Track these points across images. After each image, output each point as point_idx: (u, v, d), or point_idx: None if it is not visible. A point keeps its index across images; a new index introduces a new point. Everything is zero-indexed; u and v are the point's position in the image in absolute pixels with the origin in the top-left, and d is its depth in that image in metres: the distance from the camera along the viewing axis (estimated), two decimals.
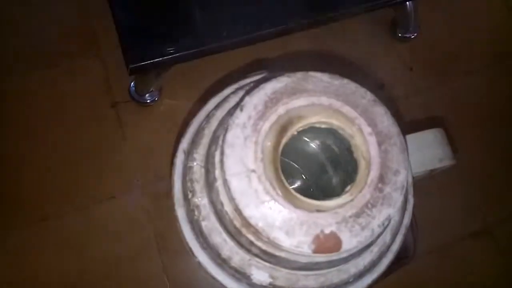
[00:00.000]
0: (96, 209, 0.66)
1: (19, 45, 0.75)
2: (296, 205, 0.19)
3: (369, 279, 0.23)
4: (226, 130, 0.20)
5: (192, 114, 0.63)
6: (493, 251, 0.72)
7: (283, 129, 0.20)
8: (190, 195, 0.24)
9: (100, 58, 0.75)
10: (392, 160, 0.20)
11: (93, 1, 0.78)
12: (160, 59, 0.61)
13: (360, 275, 0.23)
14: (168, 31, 0.62)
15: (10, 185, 0.67)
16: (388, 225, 0.20)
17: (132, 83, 0.72)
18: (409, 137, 0.26)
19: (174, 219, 0.65)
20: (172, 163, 0.25)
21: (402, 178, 0.20)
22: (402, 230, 0.25)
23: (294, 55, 0.79)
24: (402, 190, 0.20)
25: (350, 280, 0.23)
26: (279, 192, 0.19)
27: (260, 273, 0.23)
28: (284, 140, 0.20)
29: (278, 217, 0.19)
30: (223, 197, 0.21)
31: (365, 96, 0.20)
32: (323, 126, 0.20)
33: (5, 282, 0.62)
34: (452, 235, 0.72)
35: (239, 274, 0.23)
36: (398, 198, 0.20)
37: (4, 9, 0.78)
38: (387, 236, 0.23)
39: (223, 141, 0.20)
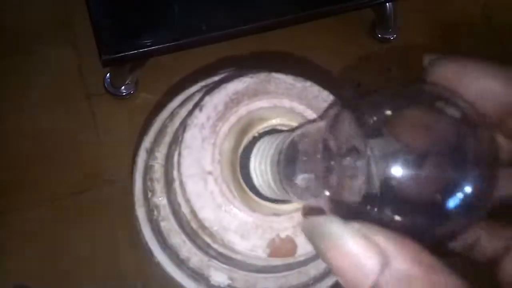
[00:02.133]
0: (66, 204, 0.65)
1: None
2: (252, 208, 0.18)
3: (329, 281, 0.23)
4: (183, 131, 0.20)
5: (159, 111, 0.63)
6: None
7: (243, 131, 0.19)
8: (150, 195, 0.24)
9: (76, 48, 0.73)
10: None
11: None
12: (136, 51, 0.60)
13: (320, 278, 0.23)
14: (144, 23, 0.60)
15: None
16: None
17: (107, 76, 0.70)
18: None
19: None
20: (133, 162, 0.25)
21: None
22: None
23: (270, 53, 0.79)
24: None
25: (311, 283, 0.23)
26: (235, 194, 0.18)
27: (218, 275, 0.22)
28: (244, 142, 0.20)
29: (233, 220, 0.19)
30: (180, 199, 0.21)
31: (327, 100, 0.20)
32: (284, 128, 0.20)
33: None
34: None
35: (198, 275, 0.23)
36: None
37: None
38: None
39: (181, 141, 0.20)
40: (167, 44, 0.61)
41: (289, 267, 0.21)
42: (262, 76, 0.20)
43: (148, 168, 0.24)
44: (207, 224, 0.19)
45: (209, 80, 0.25)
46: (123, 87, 0.70)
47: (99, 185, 0.67)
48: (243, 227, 0.19)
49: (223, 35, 0.66)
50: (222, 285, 0.22)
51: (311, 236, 0.13)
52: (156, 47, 0.60)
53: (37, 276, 0.61)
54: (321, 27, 0.80)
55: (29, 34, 0.73)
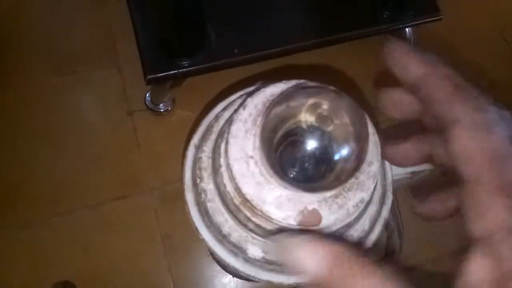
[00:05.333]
0: (107, 208, 0.71)
1: (44, 51, 0.81)
2: (285, 186, 0.22)
3: None
4: (230, 124, 0.24)
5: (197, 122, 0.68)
6: None
7: (277, 125, 0.24)
8: (198, 181, 0.28)
9: (118, 68, 0.81)
10: (367, 153, 0.24)
11: (113, 14, 0.84)
12: (175, 71, 0.67)
13: None
14: (183, 46, 0.67)
15: (26, 180, 0.72)
16: (361, 208, 0.24)
17: (147, 93, 0.77)
18: None
19: (180, 220, 0.69)
20: (184, 156, 0.30)
21: (374, 168, 0.24)
22: (381, 221, 0.28)
23: (299, 70, 0.84)
24: (374, 178, 0.24)
25: None
26: (272, 174, 0.22)
27: (254, 248, 0.26)
28: (278, 135, 0.25)
29: (270, 194, 0.23)
30: (226, 180, 0.24)
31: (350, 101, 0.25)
32: (305, 125, 0.25)
33: (19, 275, 0.66)
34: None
35: (237, 249, 0.26)
36: (370, 185, 0.24)
37: (34, 16, 0.85)
38: (365, 224, 0.27)
39: (228, 133, 0.24)
40: (203, 66, 0.68)
41: None
42: (293, 82, 0.25)
43: (196, 160, 0.29)
44: (248, 197, 0.23)
45: (246, 90, 0.30)
46: (161, 104, 0.77)
47: (139, 193, 0.72)
48: (278, 199, 0.23)
49: (253, 58, 0.72)
50: (257, 257, 0.26)
51: (280, 246, 0.19)
52: (194, 68, 0.67)
53: (79, 274, 0.66)
54: (344, 53, 0.85)
55: (76, 56, 0.82)
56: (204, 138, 0.29)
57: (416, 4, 0.76)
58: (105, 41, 0.83)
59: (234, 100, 0.30)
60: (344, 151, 0.23)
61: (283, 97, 0.24)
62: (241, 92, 0.31)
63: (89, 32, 0.84)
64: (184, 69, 0.66)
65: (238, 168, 0.24)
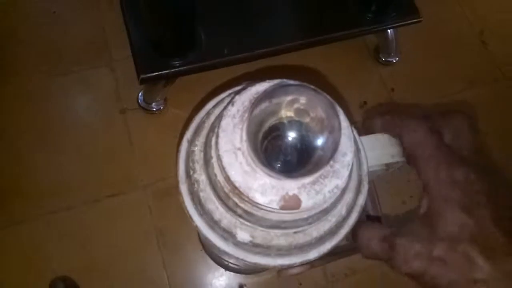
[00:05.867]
0: (103, 204, 0.73)
1: (39, 51, 0.83)
2: (269, 174, 0.25)
3: (328, 245, 0.29)
4: (220, 120, 0.27)
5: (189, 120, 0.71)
6: None
7: (262, 121, 0.27)
8: (191, 173, 0.30)
9: (112, 68, 0.83)
10: (342, 145, 0.27)
11: (106, 16, 0.87)
12: (167, 71, 0.69)
13: (321, 239, 0.29)
14: (175, 47, 0.70)
15: (23, 177, 0.73)
16: (337, 194, 0.26)
17: (140, 93, 0.79)
18: (364, 138, 0.33)
19: (173, 216, 0.71)
20: (178, 151, 0.32)
21: (348, 158, 0.27)
22: (357, 208, 0.30)
23: (283, 70, 0.87)
24: (348, 167, 0.26)
25: (313, 242, 0.29)
26: (257, 164, 0.25)
27: (243, 233, 0.28)
28: (263, 129, 0.27)
29: (255, 182, 0.25)
30: (217, 170, 0.27)
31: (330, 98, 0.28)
32: (287, 120, 0.28)
33: (18, 270, 0.68)
34: None
35: (227, 234, 0.28)
36: (345, 173, 0.26)
37: (30, 17, 0.86)
38: (342, 210, 0.29)
39: (218, 127, 0.27)
40: (194, 65, 0.70)
41: (295, 224, 0.27)
42: (276, 81, 0.28)
43: (189, 153, 0.31)
44: (237, 185, 0.25)
45: (235, 89, 0.33)
46: (154, 103, 0.79)
47: (132, 189, 0.75)
48: (263, 186, 0.25)
49: (242, 58, 0.75)
50: (245, 241, 0.28)
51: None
52: (185, 67, 0.70)
53: (77, 269, 0.68)
54: (329, 52, 0.89)
55: (71, 56, 0.84)
56: (196, 133, 0.31)
57: (397, 7, 0.80)
58: (98, 42, 0.85)
59: (224, 98, 0.32)
60: (319, 141, 0.26)
61: (266, 95, 0.26)
62: (230, 91, 0.33)
63: (83, 33, 0.86)
64: (176, 69, 0.69)
65: (227, 159, 0.26)
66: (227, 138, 0.26)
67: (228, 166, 0.26)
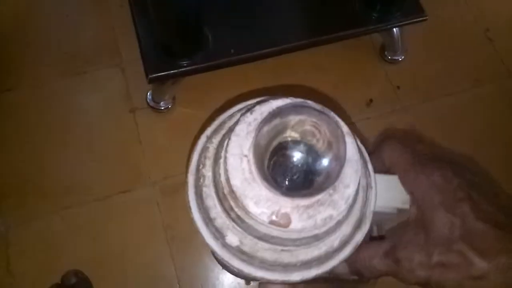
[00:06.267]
0: (113, 201, 0.75)
1: (54, 53, 0.85)
2: (267, 187, 0.25)
3: (314, 271, 0.28)
4: (236, 124, 0.28)
5: (201, 121, 0.72)
6: None
7: (274, 135, 0.28)
8: (201, 167, 0.30)
9: (121, 68, 0.85)
10: (346, 176, 0.27)
11: (116, 17, 0.89)
12: (175, 71, 0.71)
13: (307, 264, 0.28)
14: (182, 48, 0.72)
15: (37, 175, 0.76)
16: (331, 224, 0.26)
17: (149, 92, 0.81)
18: (380, 176, 0.32)
19: (181, 212, 0.73)
20: (195, 144, 0.33)
21: (350, 191, 0.26)
22: (353, 244, 0.29)
23: (294, 67, 0.88)
24: (347, 200, 0.26)
25: (298, 265, 0.28)
26: (257, 174, 0.26)
27: (232, 236, 0.28)
28: (273, 144, 0.28)
29: (252, 191, 0.26)
30: (221, 170, 0.27)
31: (343, 125, 0.28)
32: (291, 140, 0.28)
33: (31, 263, 0.71)
34: None
35: (218, 234, 0.29)
36: (342, 205, 0.26)
37: (42, 19, 0.89)
38: (335, 241, 0.29)
39: (232, 130, 0.27)
40: (202, 65, 0.72)
41: (283, 241, 0.27)
42: (299, 101, 0.29)
43: (204, 149, 0.32)
44: (234, 189, 0.26)
45: (260, 99, 0.33)
46: (162, 102, 0.81)
47: (142, 186, 0.77)
48: (258, 197, 0.26)
49: (248, 58, 0.77)
50: (233, 245, 0.28)
51: None
52: (193, 67, 0.72)
53: (88, 263, 0.71)
54: (335, 50, 0.90)
55: (81, 57, 0.86)
56: (215, 131, 0.32)
57: (403, 6, 0.81)
58: (109, 43, 0.87)
59: (248, 105, 0.32)
60: (319, 166, 0.27)
61: (277, 112, 0.27)
62: (257, 100, 0.32)
63: (94, 34, 0.88)
64: (184, 69, 0.71)
65: (232, 162, 0.27)
66: (238, 143, 0.27)
67: (231, 169, 0.26)
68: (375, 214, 0.31)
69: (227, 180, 0.27)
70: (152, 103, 0.81)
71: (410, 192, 0.30)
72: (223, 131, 0.31)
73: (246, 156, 0.27)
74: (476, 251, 0.26)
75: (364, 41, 0.94)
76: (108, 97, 0.83)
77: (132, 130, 0.81)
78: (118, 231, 0.73)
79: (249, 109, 0.29)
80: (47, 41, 0.87)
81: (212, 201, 0.29)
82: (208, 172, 0.31)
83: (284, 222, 0.25)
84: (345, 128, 0.28)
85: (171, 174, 0.78)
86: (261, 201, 0.25)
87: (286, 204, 0.25)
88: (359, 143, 0.31)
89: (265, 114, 0.28)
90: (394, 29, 0.86)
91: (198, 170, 0.32)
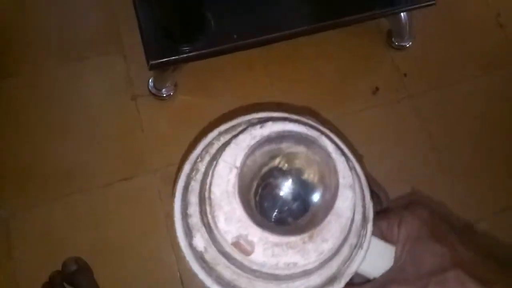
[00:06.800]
0: (114, 188, 0.74)
1: (51, 39, 0.84)
2: (246, 211, 0.25)
3: None
4: (241, 132, 0.27)
5: (203, 109, 0.71)
6: None
7: (270, 158, 0.27)
8: (199, 160, 0.30)
9: (123, 55, 0.84)
10: (328, 230, 0.25)
11: (117, 2, 0.87)
12: (177, 57, 0.70)
13: None
14: (184, 33, 0.70)
15: (39, 162, 0.75)
16: (295, 271, 0.25)
17: (150, 79, 0.80)
18: (375, 240, 0.31)
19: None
20: (204, 135, 0.32)
21: (326, 246, 0.25)
22: None
23: (299, 54, 0.86)
24: (320, 254, 0.25)
25: None
26: (238, 192, 0.25)
27: (200, 240, 0.27)
28: (264, 169, 0.28)
29: (227, 206, 0.25)
30: (211, 172, 0.27)
31: (345, 177, 0.26)
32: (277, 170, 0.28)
33: (33, 251, 0.70)
34: None
35: (189, 232, 0.28)
36: (312, 257, 0.25)
37: (41, 5, 0.88)
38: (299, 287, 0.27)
39: (235, 137, 0.27)
40: (204, 51, 0.71)
41: (241, 266, 0.26)
42: (316, 135, 0.27)
43: (210, 144, 0.31)
44: (212, 196, 0.26)
45: (278, 114, 0.31)
46: (164, 90, 0.80)
47: (143, 174, 0.76)
48: (230, 214, 0.25)
49: (251, 43, 0.75)
50: (197, 249, 0.27)
51: None
52: (194, 53, 0.70)
53: (89, 250, 0.70)
54: (341, 37, 0.88)
55: (82, 43, 0.85)
56: (228, 130, 0.31)
57: None
58: (110, 29, 0.86)
59: (259, 118, 0.31)
60: (295, 206, 0.27)
61: (271, 139, 0.26)
62: (278, 114, 0.31)
63: (95, 20, 0.87)
64: (185, 55, 0.69)
65: (221, 169, 0.26)
66: (234, 151, 0.26)
67: (217, 176, 0.26)
68: (357, 275, 0.29)
69: (210, 184, 0.26)
70: (153, 90, 0.80)
71: (399, 229, 0.30)
72: (234, 132, 0.30)
73: (236, 167, 0.26)
74: (472, 278, 0.26)
75: (370, 26, 0.92)
76: (109, 84, 0.82)
77: (134, 117, 0.80)
78: (119, 219, 0.73)
79: (261, 122, 0.27)
80: (48, 28, 0.85)
81: (194, 198, 0.29)
82: (202, 167, 0.30)
83: (245, 249, 0.24)
84: (347, 180, 0.26)
85: (172, 162, 0.77)
86: (232, 220, 0.25)
87: (255, 233, 0.24)
88: (367, 201, 0.29)
89: (272, 135, 0.27)
90: (402, 14, 0.84)
91: (195, 162, 0.31)
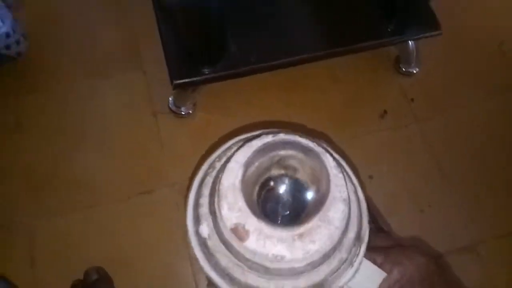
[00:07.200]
0: (132, 201, 0.78)
1: (76, 56, 0.89)
2: (247, 203, 0.28)
3: None
4: (256, 138, 0.31)
5: (220, 127, 0.75)
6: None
7: (267, 166, 0.31)
8: (217, 160, 0.34)
9: (144, 72, 0.88)
10: (318, 233, 0.27)
11: (139, 21, 0.92)
12: (199, 78, 0.74)
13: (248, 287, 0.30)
14: (206, 57, 0.75)
15: (60, 173, 0.79)
16: (282, 265, 0.28)
17: (170, 97, 0.84)
18: (366, 263, 0.33)
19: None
20: (226, 140, 0.36)
21: (313, 248, 0.27)
22: None
23: (311, 77, 0.91)
24: (306, 253, 0.27)
25: (243, 286, 0.30)
26: (241, 185, 0.28)
27: (205, 228, 0.31)
28: (269, 172, 0.31)
29: (231, 196, 0.28)
30: (222, 167, 0.31)
31: (341, 191, 0.29)
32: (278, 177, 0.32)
33: (53, 259, 0.73)
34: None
35: (198, 219, 0.31)
36: (299, 254, 0.27)
37: (66, 23, 0.93)
38: (284, 284, 0.30)
39: (249, 141, 0.30)
40: (224, 73, 0.75)
41: (237, 256, 0.29)
42: (321, 150, 0.30)
43: (229, 148, 0.35)
44: (220, 187, 0.29)
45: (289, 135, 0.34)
46: (183, 108, 0.84)
47: (161, 187, 0.79)
48: (233, 204, 0.28)
49: (268, 66, 0.80)
50: (202, 235, 0.31)
51: None
52: (215, 75, 0.75)
53: (109, 260, 0.73)
54: (351, 62, 0.92)
55: (105, 60, 0.89)
56: (248, 138, 0.34)
57: (418, 20, 0.83)
58: (131, 46, 0.91)
59: (271, 131, 0.34)
60: (299, 201, 0.30)
61: (277, 145, 0.30)
62: (281, 134, 0.34)
63: (117, 38, 0.92)
64: (207, 76, 0.74)
65: (232, 165, 0.30)
66: (245, 153, 0.30)
67: (227, 171, 0.30)
68: None
69: (221, 178, 0.30)
70: (173, 108, 0.84)
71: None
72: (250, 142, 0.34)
73: (244, 166, 0.29)
74: None
75: (379, 53, 0.96)
76: (130, 100, 0.86)
77: (154, 133, 0.83)
78: (137, 231, 0.76)
79: (274, 134, 0.31)
80: (74, 45, 0.90)
81: (206, 190, 0.33)
82: (218, 164, 0.34)
83: (241, 235, 0.27)
84: (342, 194, 0.29)
85: (190, 176, 0.80)
86: (234, 209, 0.28)
87: (252, 223, 0.28)
88: (364, 223, 0.32)
89: (277, 144, 0.30)
90: (410, 42, 0.88)
91: (214, 161, 0.35)
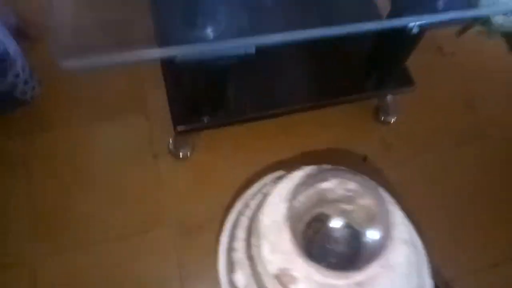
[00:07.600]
0: (132, 240, 0.83)
1: (85, 99, 0.96)
2: (291, 240, 0.24)
3: None
4: (298, 169, 0.29)
5: (217, 169, 0.81)
6: None
7: (316, 202, 0.29)
8: (251, 198, 0.36)
9: (146, 116, 0.95)
10: (379, 283, 0.23)
11: (144, 71, 0.99)
12: (200, 125, 0.82)
13: None
14: (208, 108, 0.82)
15: (61, 211, 0.83)
16: None
17: (170, 140, 0.91)
18: None
19: (195, 252, 0.81)
20: (259, 177, 0.37)
21: None
22: None
23: (300, 124, 0.99)
24: None
25: None
26: (287, 222, 0.25)
27: (241, 276, 0.28)
28: (312, 212, 0.28)
29: (274, 236, 0.24)
30: (263, 205, 0.29)
31: (401, 231, 0.25)
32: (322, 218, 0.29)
33: None
34: None
35: (231, 267, 0.30)
36: None
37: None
38: None
39: (291, 173, 0.29)
40: (223, 121, 0.83)
41: None
42: (373, 185, 0.31)
43: (265, 186, 0.37)
44: (261, 224, 0.27)
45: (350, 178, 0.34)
46: (183, 150, 0.91)
47: (161, 226, 0.85)
48: (276, 245, 0.25)
49: (261, 116, 0.88)
50: (237, 284, 0.28)
51: None
52: (215, 123, 0.82)
53: None
54: (337, 111, 1.01)
55: (111, 104, 0.96)
56: (283, 175, 0.35)
57: (395, 77, 0.93)
58: (136, 93, 0.98)
59: (312, 169, 0.36)
60: (345, 250, 0.27)
61: (315, 177, 0.29)
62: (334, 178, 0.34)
63: (123, 84, 0.98)
64: (207, 124, 0.81)
65: (273, 200, 0.29)
66: (288, 186, 0.30)
67: (268, 206, 0.28)
68: None
69: (262, 210, 0.28)
70: (173, 150, 0.91)
71: None
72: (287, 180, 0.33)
73: (289, 200, 0.27)
74: None
75: (362, 103, 1.06)
76: (133, 143, 0.93)
77: (154, 175, 0.90)
78: (136, 269, 0.80)
79: (324, 173, 0.31)
80: (82, 89, 0.96)
81: (241, 233, 0.32)
82: (253, 205, 0.34)
83: (286, 282, 0.23)
84: (403, 234, 0.25)
85: (188, 217, 0.86)
86: (278, 251, 0.24)
87: (300, 269, 0.24)
88: (425, 275, 0.30)
89: (322, 170, 0.30)
90: (388, 95, 0.99)
91: (248, 201, 0.36)
